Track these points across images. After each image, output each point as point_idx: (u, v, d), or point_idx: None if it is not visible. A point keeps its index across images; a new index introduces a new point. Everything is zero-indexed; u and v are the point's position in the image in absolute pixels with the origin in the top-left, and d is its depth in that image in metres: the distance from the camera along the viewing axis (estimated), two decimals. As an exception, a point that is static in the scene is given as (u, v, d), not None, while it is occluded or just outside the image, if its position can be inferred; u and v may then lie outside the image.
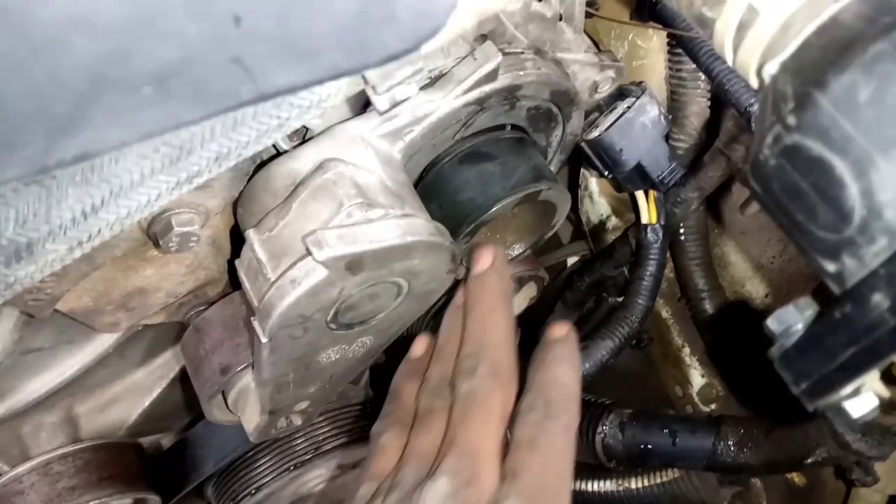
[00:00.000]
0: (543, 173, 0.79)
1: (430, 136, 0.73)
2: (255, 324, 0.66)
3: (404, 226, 0.65)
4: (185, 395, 1.08)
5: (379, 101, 0.53)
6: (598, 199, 1.17)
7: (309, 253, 0.61)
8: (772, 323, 0.42)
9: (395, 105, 0.54)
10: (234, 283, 0.85)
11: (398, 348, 1.17)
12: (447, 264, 0.72)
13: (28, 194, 0.44)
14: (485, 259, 0.68)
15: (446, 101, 0.71)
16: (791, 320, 0.42)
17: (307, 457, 1.16)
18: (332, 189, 0.64)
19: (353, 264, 0.63)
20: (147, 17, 0.29)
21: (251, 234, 0.67)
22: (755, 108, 0.87)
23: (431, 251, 0.68)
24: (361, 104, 0.73)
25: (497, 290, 0.67)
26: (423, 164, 0.78)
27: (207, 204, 0.64)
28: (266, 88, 0.36)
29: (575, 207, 1.26)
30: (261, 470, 1.15)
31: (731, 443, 0.92)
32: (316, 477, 1.25)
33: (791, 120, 0.38)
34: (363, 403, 1.26)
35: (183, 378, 1.00)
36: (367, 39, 0.36)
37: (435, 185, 0.78)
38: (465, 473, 0.52)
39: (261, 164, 0.72)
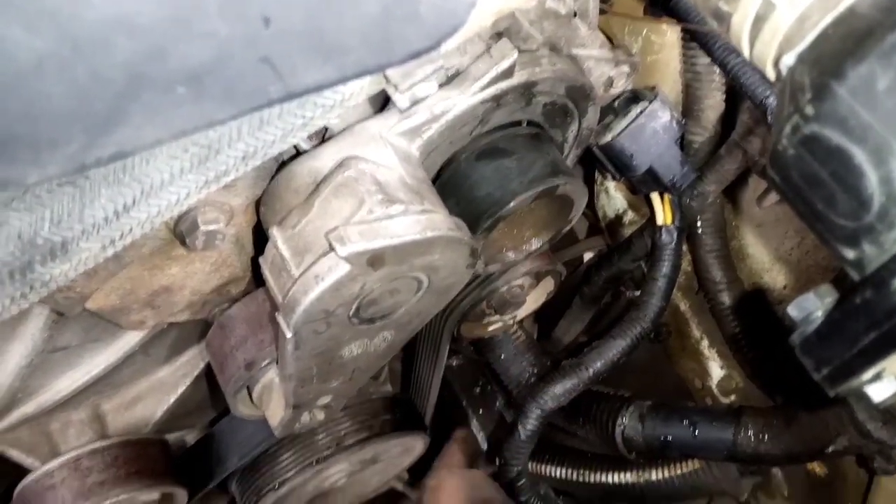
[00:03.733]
0: (560, 168, 0.80)
1: (447, 134, 0.74)
2: (280, 319, 0.67)
3: (424, 221, 0.66)
4: (208, 392, 1.09)
5: (400, 100, 0.54)
6: (614, 193, 1.18)
7: (332, 249, 0.62)
8: (792, 310, 0.43)
9: (415, 103, 0.54)
10: (257, 280, 0.86)
11: (417, 345, 1.19)
12: (466, 259, 0.73)
13: (62, 194, 0.45)
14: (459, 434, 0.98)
15: (463, 99, 0.72)
16: (811, 307, 0.42)
17: (329, 451, 1.17)
18: (353, 186, 0.65)
19: (375, 259, 0.64)
20: (183, 18, 0.30)
21: (275, 232, 0.68)
22: (771, 100, 0.87)
23: (451, 246, 0.69)
24: (380, 103, 0.74)
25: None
26: (440, 162, 0.79)
27: (232, 203, 0.65)
28: (294, 87, 0.37)
29: (591, 203, 1.27)
30: (284, 465, 1.17)
31: (751, 433, 0.92)
32: (338, 472, 1.26)
33: (809, 110, 0.38)
34: (383, 399, 1.27)
35: (207, 375, 1.02)
36: (392, 37, 0.36)
37: (453, 181, 0.79)
38: None
39: (283, 163, 0.74)
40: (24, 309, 0.48)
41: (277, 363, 0.79)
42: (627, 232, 1.17)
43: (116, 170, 0.45)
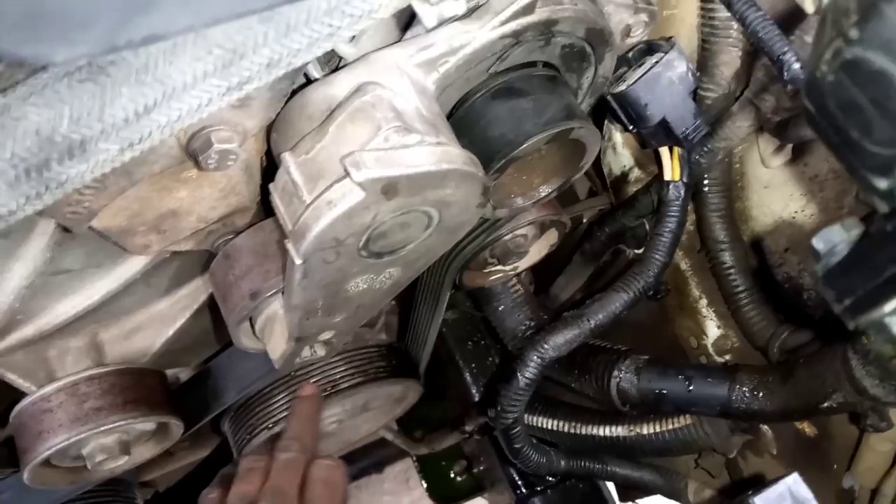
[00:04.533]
0: (576, 112, 0.80)
1: (464, 68, 0.73)
2: (289, 246, 0.67)
3: (440, 153, 0.65)
4: (204, 330, 1.09)
5: (427, 15, 0.53)
6: (621, 150, 1.17)
7: (347, 174, 0.61)
8: (817, 242, 0.43)
9: (441, 23, 0.53)
10: (263, 212, 0.86)
11: (417, 292, 1.19)
12: (478, 197, 0.73)
13: (82, 91, 0.44)
14: (308, 389, 0.98)
15: (483, 33, 0.71)
16: (836, 239, 0.42)
17: (324, 394, 1.18)
18: (370, 112, 0.64)
19: (389, 188, 0.63)
20: None
21: (287, 157, 0.67)
22: (788, 56, 0.86)
23: (465, 181, 0.69)
24: (399, 32, 0.73)
25: (312, 406, 0.96)
26: (455, 99, 0.78)
27: (245, 124, 0.64)
28: (330, -18, 0.36)
29: (596, 162, 1.26)
30: (278, 405, 1.17)
31: (745, 389, 0.93)
32: (331, 416, 1.27)
33: (853, 33, 0.38)
34: (379, 346, 1.27)
35: (207, 308, 1.01)
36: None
37: (466, 120, 0.78)
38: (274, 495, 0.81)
39: (295, 91, 0.72)
40: (36, 211, 0.48)
41: (283, 294, 0.79)
42: (632, 190, 1.16)
43: (139, 70, 0.44)
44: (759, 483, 0.85)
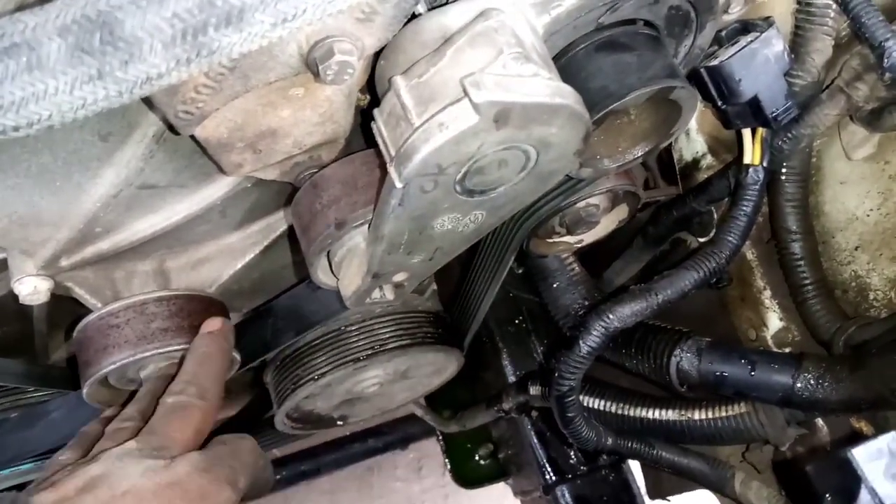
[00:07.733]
0: (678, 72, 0.79)
1: (575, 14, 0.73)
2: (392, 169, 0.66)
3: (554, 87, 0.65)
4: (264, 274, 1.09)
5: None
6: (694, 136, 1.16)
7: (465, 94, 0.61)
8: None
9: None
10: (346, 151, 0.86)
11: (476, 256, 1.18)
12: (578, 142, 0.72)
13: (247, -43, 0.44)
14: (214, 323, 0.90)
15: (598, -20, 0.71)
16: None
17: (371, 352, 1.18)
18: (492, 36, 0.64)
19: (502, 115, 0.63)
20: None
21: (398, 80, 0.67)
22: (890, 43, 0.86)
23: (571, 121, 0.68)
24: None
25: (218, 345, 0.87)
26: (558, 48, 0.78)
27: (365, 40, 0.65)
28: None
29: (659, 156, 1.26)
30: (326, 358, 1.17)
31: (811, 377, 0.92)
32: (372, 377, 1.27)
33: None
34: (427, 313, 1.27)
35: (271, 251, 1.02)
36: None
37: (568, 70, 0.78)
38: (154, 443, 0.70)
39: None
40: (182, 79, 0.48)
41: (370, 226, 0.79)
42: (702, 177, 1.16)
43: (303, -58, 0.44)
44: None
